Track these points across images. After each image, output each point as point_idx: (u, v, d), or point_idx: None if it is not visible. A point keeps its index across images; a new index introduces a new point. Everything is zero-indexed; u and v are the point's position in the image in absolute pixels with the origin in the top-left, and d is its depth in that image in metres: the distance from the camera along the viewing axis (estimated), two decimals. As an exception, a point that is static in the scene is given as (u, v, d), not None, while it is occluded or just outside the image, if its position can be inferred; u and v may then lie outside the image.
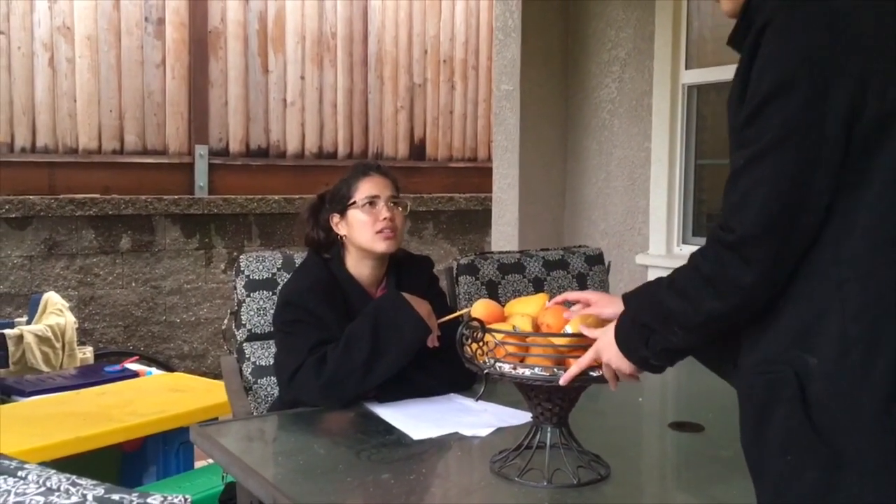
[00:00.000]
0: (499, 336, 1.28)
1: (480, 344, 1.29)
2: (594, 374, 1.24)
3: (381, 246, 1.83)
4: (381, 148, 5.14)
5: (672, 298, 1.07)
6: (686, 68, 3.37)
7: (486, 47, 5.39)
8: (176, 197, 4.38)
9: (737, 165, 1.01)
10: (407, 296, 1.77)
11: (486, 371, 1.27)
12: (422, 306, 1.75)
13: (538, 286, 2.35)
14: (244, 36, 4.59)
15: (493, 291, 2.26)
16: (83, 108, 4.21)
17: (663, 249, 3.43)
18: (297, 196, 4.54)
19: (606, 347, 1.19)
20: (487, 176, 4.05)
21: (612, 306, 1.33)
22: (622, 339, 1.16)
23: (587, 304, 1.34)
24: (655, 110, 3.44)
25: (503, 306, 1.43)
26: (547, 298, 1.40)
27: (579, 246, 2.63)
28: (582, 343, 1.25)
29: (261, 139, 4.71)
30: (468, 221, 5.33)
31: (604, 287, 2.53)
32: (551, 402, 1.31)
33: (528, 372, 1.25)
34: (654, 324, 1.10)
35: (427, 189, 5.22)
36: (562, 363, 1.26)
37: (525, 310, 1.36)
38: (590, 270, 2.48)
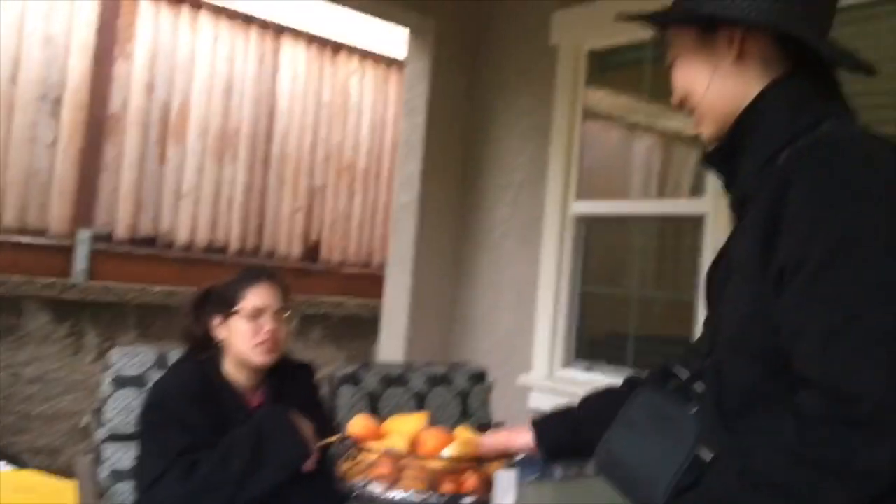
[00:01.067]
0: (373, 455, 1.24)
1: (354, 463, 1.25)
2: (468, 499, 1.22)
3: (259, 359, 1.79)
4: (275, 247, 5.09)
5: (763, 501, 0.88)
6: (576, 199, 3.54)
7: (389, 158, 5.51)
8: (51, 280, 4.16)
9: (831, 322, 0.88)
10: (293, 414, 1.71)
11: (354, 493, 1.24)
12: (306, 427, 1.70)
13: (420, 401, 2.34)
14: (145, 123, 4.53)
15: (373, 403, 2.23)
16: (-39, 179, 4.01)
17: (545, 372, 3.49)
18: (181, 288, 4.39)
19: None
20: (380, 283, 4.06)
21: (522, 434, 1.34)
22: None
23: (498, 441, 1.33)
24: (545, 235, 3.57)
25: (383, 420, 1.41)
26: (427, 417, 1.38)
27: (464, 363, 2.64)
28: (458, 467, 1.23)
29: (149, 228, 4.58)
30: (357, 327, 5.28)
31: (486, 405, 2.53)
32: None
33: (398, 496, 1.22)
34: None
35: (318, 292, 5.16)
36: (436, 487, 1.23)
37: (404, 428, 1.34)
38: (472, 388, 2.49)
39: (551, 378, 3.46)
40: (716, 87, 1.09)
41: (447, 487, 1.23)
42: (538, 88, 3.69)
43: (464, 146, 3.96)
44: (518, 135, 3.76)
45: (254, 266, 1.93)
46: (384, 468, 1.24)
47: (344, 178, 5.40)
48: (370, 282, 5.29)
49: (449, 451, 1.27)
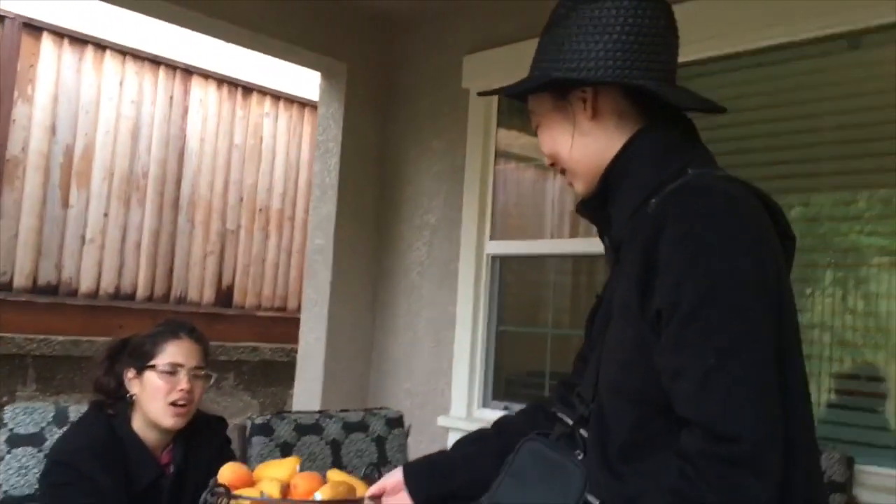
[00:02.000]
0: (245, 502, 1.23)
1: None
2: None
3: (168, 422, 1.72)
4: (186, 292, 4.95)
5: None
6: (490, 239, 3.57)
7: (304, 200, 5.46)
8: (-58, 332, 3.93)
9: (705, 363, 0.91)
10: None
11: None
12: None
13: (336, 449, 2.29)
14: (46, 167, 4.36)
15: (287, 453, 2.17)
16: None
17: (464, 412, 3.48)
18: (85, 338, 4.21)
19: None
20: (296, 326, 3.99)
21: (393, 476, 1.32)
22: None
23: (381, 492, 1.31)
24: (461, 276, 3.59)
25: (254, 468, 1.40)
26: (299, 462, 1.38)
27: (380, 408, 2.61)
28: None
29: (51, 275, 4.39)
30: (272, 373, 5.16)
31: (403, 450, 2.50)
32: None
33: None
34: None
35: (232, 337, 5.03)
36: None
37: (275, 474, 1.33)
38: (390, 433, 2.45)
39: (469, 418, 3.45)
40: (578, 146, 1.14)
41: None
42: (451, 130, 3.73)
43: (378, 188, 3.96)
44: (432, 176, 3.79)
45: (174, 320, 1.86)
46: None
47: (257, 220, 5.31)
48: (286, 325, 5.19)
49: (321, 495, 1.26)
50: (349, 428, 2.36)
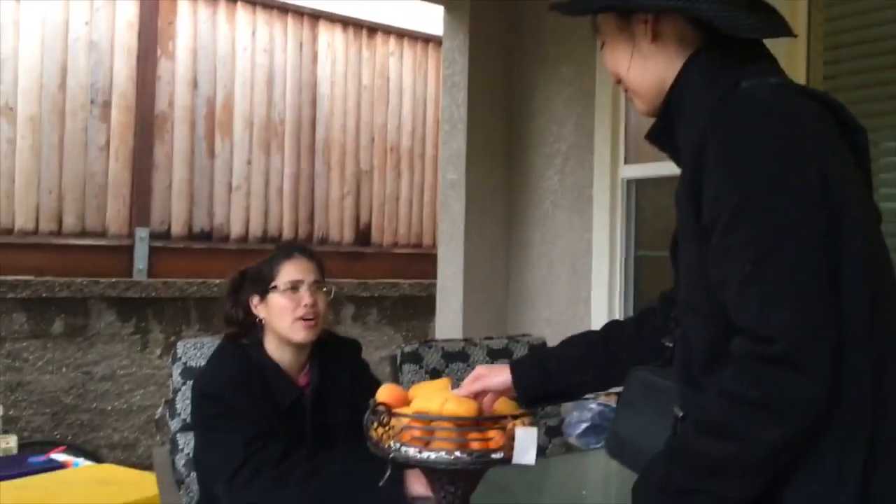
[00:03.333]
0: (404, 420, 1.29)
1: (386, 428, 1.30)
2: (496, 455, 1.26)
3: (299, 336, 1.79)
4: (327, 233, 5.14)
5: (712, 444, 0.94)
6: (625, 163, 3.49)
7: (433, 137, 5.50)
8: (113, 280, 4.27)
9: (742, 271, 0.95)
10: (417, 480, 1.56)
11: (391, 455, 1.28)
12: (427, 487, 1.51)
13: (482, 375, 2.34)
14: (191, 120, 4.60)
15: (436, 379, 2.24)
16: (22, 188, 4.13)
17: (605, 338, 3.46)
18: (239, 280, 4.47)
19: None
20: (432, 262, 4.07)
21: (500, 375, 1.38)
22: None
23: (476, 379, 1.38)
24: (596, 203, 3.54)
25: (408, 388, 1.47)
26: (450, 383, 1.42)
27: (523, 334, 2.64)
28: (486, 425, 1.28)
29: (204, 222, 4.67)
30: (412, 307, 5.32)
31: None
32: (454, 484, 1.32)
33: (432, 455, 1.25)
34: (696, 483, 0.96)
35: (371, 275, 5.21)
36: (464, 446, 1.27)
37: (429, 394, 1.37)
38: (533, 360, 2.48)
39: (611, 345, 3.44)
40: (637, 67, 1.16)
41: (474, 446, 1.27)
42: (579, 54, 3.63)
43: (507, 118, 3.93)
44: (562, 104, 3.72)
45: (285, 243, 1.94)
46: (415, 431, 1.28)
47: (389, 159, 5.41)
48: (422, 261, 5.31)
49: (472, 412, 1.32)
50: (494, 355, 2.41)
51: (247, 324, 1.87)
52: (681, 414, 1.06)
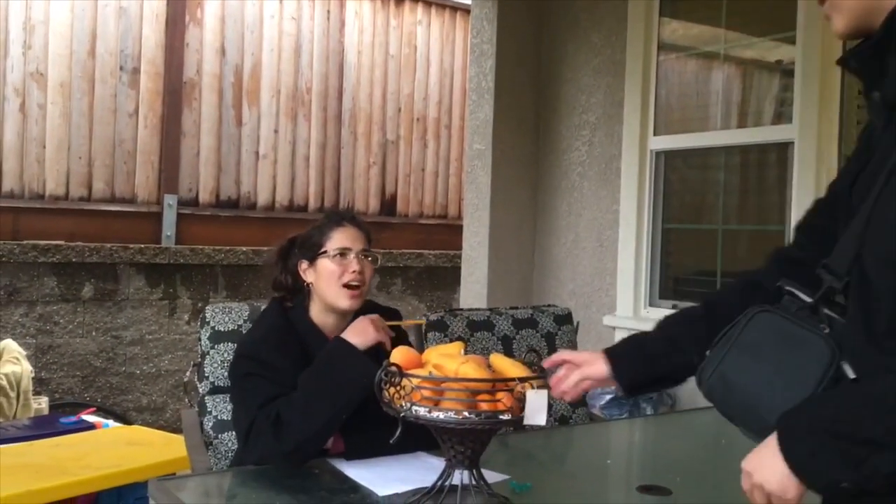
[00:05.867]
0: (415, 381, 1.31)
1: (398, 388, 1.32)
2: (504, 416, 1.28)
3: (345, 303, 1.81)
4: (353, 202, 5.16)
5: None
6: (654, 135, 3.45)
7: (459, 107, 5.47)
8: (142, 246, 4.33)
9: None
10: (352, 331, 1.74)
11: (402, 414, 1.30)
12: (366, 326, 1.73)
13: (507, 344, 2.35)
14: (219, 88, 4.61)
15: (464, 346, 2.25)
16: (52, 154, 4.18)
17: (630, 311, 3.46)
18: (265, 248, 4.50)
19: (763, 467, 0.95)
20: (457, 233, 4.07)
21: (595, 365, 1.34)
22: (803, 458, 0.92)
23: (575, 366, 1.34)
24: (624, 174, 3.51)
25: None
26: (463, 346, 1.44)
27: (548, 305, 2.64)
28: (493, 387, 1.29)
29: (231, 190, 4.69)
30: (437, 278, 5.33)
31: (572, 346, 2.53)
32: (463, 444, 1.34)
33: (441, 415, 1.28)
34: (885, 438, 0.87)
35: (397, 245, 5.22)
36: (473, 406, 1.29)
37: (442, 357, 1.39)
38: (559, 330, 2.48)
39: (636, 317, 3.43)
40: None
41: (484, 406, 1.29)
42: (610, 23, 3.58)
43: (535, 89, 3.90)
44: (591, 73, 3.68)
45: (335, 210, 1.95)
46: (426, 392, 1.30)
47: (415, 130, 5.40)
48: (447, 232, 5.31)
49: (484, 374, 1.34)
50: (519, 324, 2.41)
51: (294, 289, 1.90)
52: (853, 376, 0.95)
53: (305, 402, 1.65)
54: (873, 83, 1.01)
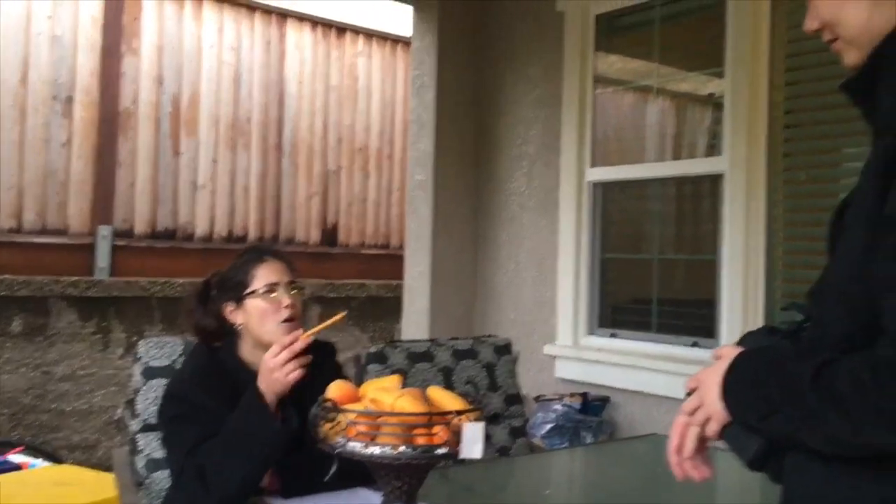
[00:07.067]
0: (350, 416, 1.29)
1: (334, 424, 1.31)
2: (440, 450, 1.28)
3: (286, 338, 1.78)
4: (294, 233, 5.11)
5: (822, 405, 0.90)
6: (591, 166, 3.51)
7: (402, 138, 5.49)
8: (74, 278, 4.20)
9: None
10: (263, 381, 1.67)
11: (337, 450, 1.29)
12: (274, 379, 1.66)
13: (447, 375, 2.35)
14: (156, 117, 4.55)
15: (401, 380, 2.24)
16: (-20, 184, 4.05)
17: (570, 340, 3.49)
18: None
19: (710, 384, 1.04)
20: (400, 263, 4.07)
21: None
22: (731, 388, 1.01)
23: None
24: (562, 205, 3.56)
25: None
26: (401, 380, 1.43)
27: (488, 336, 2.65)
28: (430, 421, 1.28)
29: (168, 221, 4.61)
30: (380, 308, 5.30)
31: (512, 376, 2.54)
32: (400, 479, 1.33)
33: (377, 450, 1.27)
34: (785, 408, 0.94)
35: (339, 275, 5.19)
36: (410, 441, 1.29)
37: (378, 391, 1.39)
38: (498, 360, 2.49)
39: (576, 346, 3.46)
40: (877, 12, 0.99)
41: (420, 441, 1.28)
42: (547, 57, 3.65)
43: (475, 120, 3.94)
44: (530, 104, 3.74)
45: (253, 246, 1.91)
46: (361, 427, 1.29)
47: (357, 160, 5.40)
48: (390, 262, 5.30)
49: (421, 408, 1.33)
50: (459, 355, 2.41)
51: (221, 332, 1.85)
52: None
53: (223, 457, 1.61)
54: (868, 113, 1.04)
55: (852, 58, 1.04)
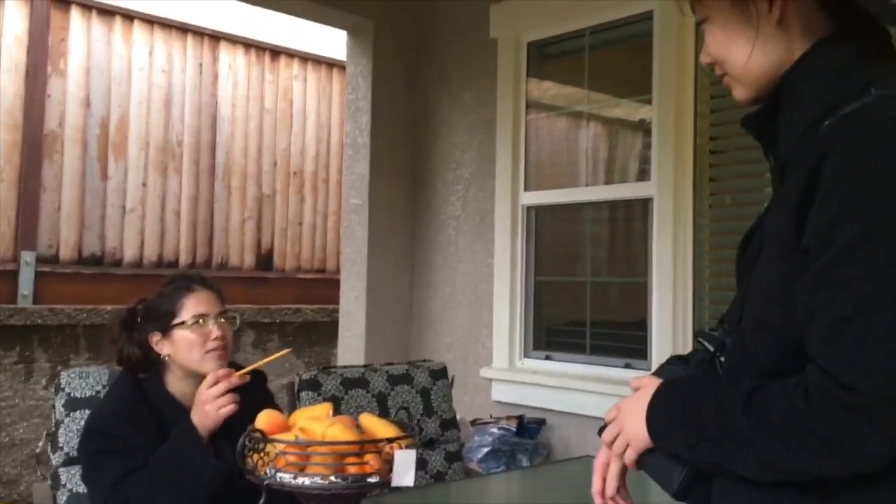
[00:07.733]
0: (279, 446, 1.28)
1: (262, 455, 1.29)
2: (371, 479, 1.27)
3: (212, 366, 1.73)
4: (227, 257, 5.02)
5: (756, 431, 0.91)
6: (525, 190, 3.56)
7: (337, 161, 5.47)
8: (-5, 306, 4.05)
9: (842, 311, 0.86)
10: (196, 413, 1.65)
11: (265, 482, 1.26)
12: (207, 412, 1.64)
13: (382, 401, 2.33)
14: (83, 140, 4.43)
15: (336, 407, 2.21)
16: None
17: (506, 363, 3.50)
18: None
19: (631, 412, 1.05)
20: (336, 288, 4.03)
21: None
22: (657, 417, 1.01)
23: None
24: (497, 228, 3.59)
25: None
26: (331, 408, 1.42)
27: (424, 360, 2.64)
28: (361, 449, 1.28)
29: (95, 246, 4.48)
30: (316, 333, 5.24)
31: (448, 400, 2.53)
32: None
33: (307, 481, 1.25)
34: (715, 435, 0.94)
35: (274, 300, 5.11)
36: (341, 470, 1.27)
37: (309, 419, 1.37)
38: (434, 385, 2.48)
39: (512, 369, 3.48)
40: (757, 52, 1.02)
41: (351, 470, 1.27)
42: (481, 82, 3.70)
43: (411, 145, 3.95)
44: (464, 130, 3.77)
45: (181, 274, 1.86)
46: (291, 457, 1.27)
47: (292, 184, 5.35)
48: (326, 286, 5.25)
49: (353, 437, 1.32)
50: (394, 381, 2.40)
51: (146, 362, 1.80)
52: None
53: (155, 492, 1.57)
54: (769, 147, 1.08)
55: (740, 93, 1.08)
